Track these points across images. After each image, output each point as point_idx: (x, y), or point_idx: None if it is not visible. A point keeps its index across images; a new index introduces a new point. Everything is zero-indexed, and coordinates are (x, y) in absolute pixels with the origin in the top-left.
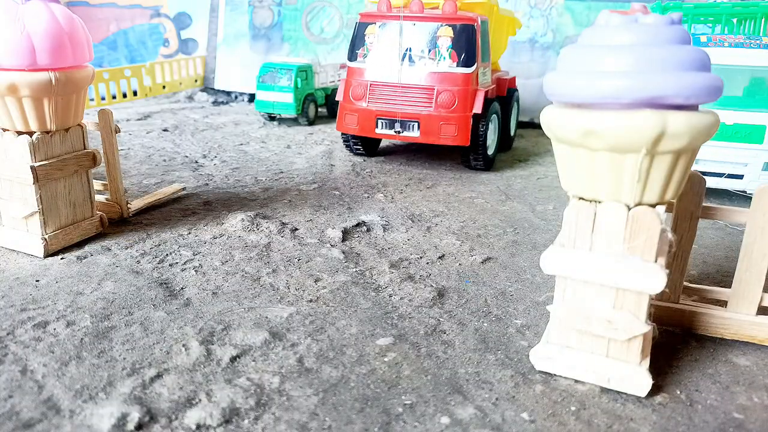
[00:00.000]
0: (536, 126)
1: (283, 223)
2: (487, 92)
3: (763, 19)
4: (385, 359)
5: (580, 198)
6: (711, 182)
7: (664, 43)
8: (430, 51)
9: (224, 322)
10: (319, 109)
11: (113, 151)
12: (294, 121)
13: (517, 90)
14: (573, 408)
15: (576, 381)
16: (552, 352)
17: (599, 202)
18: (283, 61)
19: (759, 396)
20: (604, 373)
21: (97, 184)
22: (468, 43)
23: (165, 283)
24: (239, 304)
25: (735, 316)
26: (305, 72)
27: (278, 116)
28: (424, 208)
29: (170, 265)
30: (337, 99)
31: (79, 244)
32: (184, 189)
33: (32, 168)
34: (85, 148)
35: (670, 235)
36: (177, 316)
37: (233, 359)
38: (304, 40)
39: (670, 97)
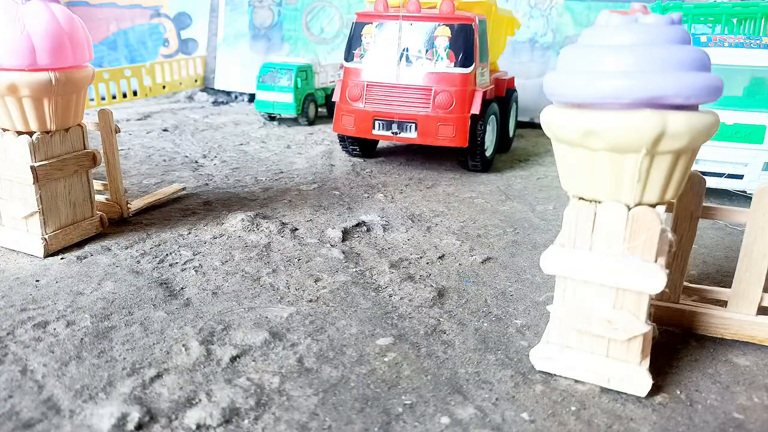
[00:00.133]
0: (536, 126)
1: (283, 223)
2: (485, 93)
3: (763, 19)
4: (385, 359)
5: (580, 198)
6: (711, 182)
7: (664, 43)
8: (427, 51)
9: (224, 322)
10: (319, 109)
11: (113, 151)
12: (294, 121)
13: (516, 90)
14: (573, 408)
15: (576, 381)
16: (552, 352)
17: (599, 202)
18: (283, 61)
19: (759, 396)
20: (604, 373)
21: (97, 184)
22: (466, 43)
23: (165, 283)
24: (239, 304)
25: (735, 316)
26: (305, 72)
27: (278, 116)
28: (424, 208)
29: (170, 265)
30: (333, 100)
31: (79, 244)
32: (184, 189)
33: (32, 168)
34: (85, 148)
35: (670, 235)
36: (177, 316)
37: (233, 359)
38: (304, 40)
39: (670, 97)
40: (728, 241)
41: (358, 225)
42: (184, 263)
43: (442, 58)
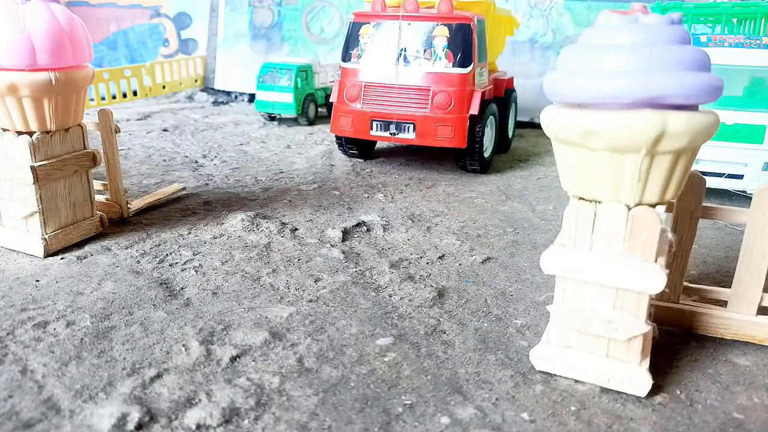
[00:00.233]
0: (536, 126)
1: (283, 223)
2: (484, 93)
3: (763, 19)
4: (385, 359)
5: (580, 198)
6: (711, 182)
7: (664, 43)
8: (425, 51)
9: (224, 322)
10: (319, 109)
11: (113, 151)
12: (294, 121)
13: (515, 91)
14: (573, 408)
15: (576, 381)
16: (552, 352)
17: (599, 202)
18: (283, 61)
19: (759, 396)
20: (604, 373)
21: (97, 184)
22: (464, 42)
23: (165, 283)
24: (239, 304)
25: (735, 316)
26: (305, 72)
27: (278, 116)
28: (424, 208)
29: (170, 265)
30: (331, 100)
31: (79, 244)
32: (184, 189)
33: (32, 168)
34: (85, 148)
35: (670, 235)
36: (177, 316)
37: (233, 359)
38: (304, 40)
39: (670, 97)
40: (728, 241)
41: (358, 225)
42: (184, 263)
43: (440, 58)
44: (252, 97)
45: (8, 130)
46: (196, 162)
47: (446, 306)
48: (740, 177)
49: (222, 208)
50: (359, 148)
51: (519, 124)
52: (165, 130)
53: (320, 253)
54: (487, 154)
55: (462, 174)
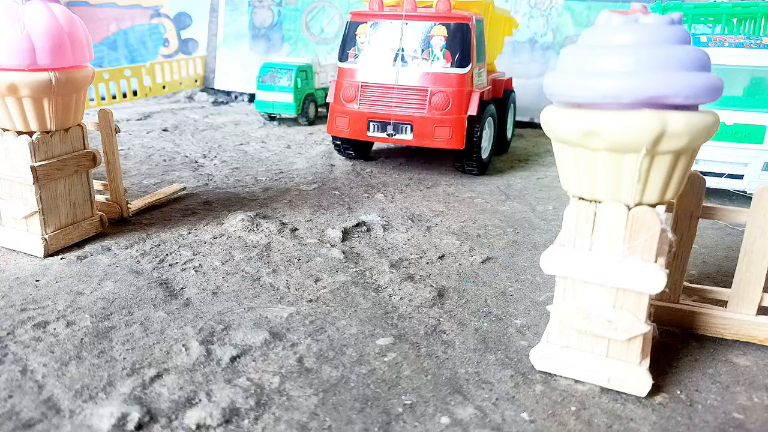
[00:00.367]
0: (536, 126)
1: (283, 223)
2: (482, 94)
3: (763, 19)
4: (385, 359)
5: (580, 198)
6: (711, 182)
7: (664, 43)
8: (423, 51)
9: (224, 322)
10: (319, 109)
11: (113, 151)
12: (294, 121)
13: (513, 91)
14: (573, 408)
15: (576, 381)
16: (552, 352)
17: (599, 202)
18: (283, 61)
19: (759, 396)
20: (604, 373)
21: (97, 184)
22: (462, 42)
23: (165, 283)
24: (239, 304)
25: (735, 316)
26: (305, 72)
27: (278, 116)
28: (424, 208)
29: (170, 265)
30: (327, 101)
31: (79, 244)
32: (184, 189)
33: (32, 168)
34: (85, 148)
35: (670, 235)
36: (177, 316)
37: (233, 359)
38: (304, 40)
39: (670, 97)
40: (728, 241)
41: (358, 225)
42: (184, 263)
43: (438, 58)
44: (252, 97)
45: (8, 130)
46: (196, 162)
47: (446, 306)
48: (740, 177)
49: (222, 208)
50: (356, 148)
51: (519, 124)
52: (165, 130)
53: (320, 253)
54: (485, 156)
55: (462, 174)
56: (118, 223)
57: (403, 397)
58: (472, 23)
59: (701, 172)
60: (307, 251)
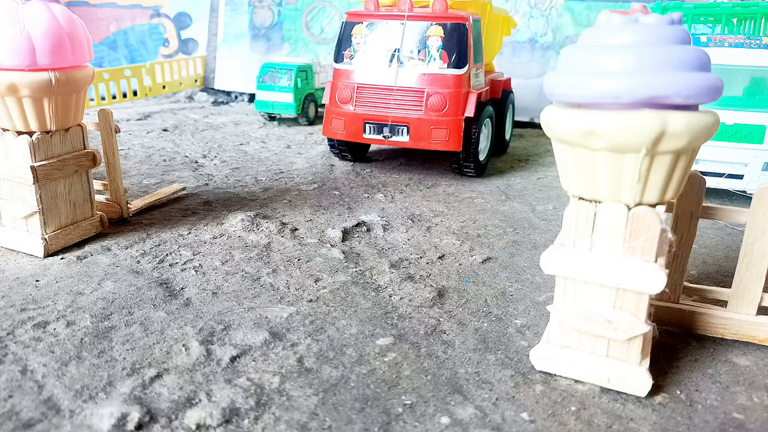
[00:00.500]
0: (536, 126)
1: (283, 223)
2: (480, 95)
3: (763, 19)
4: (385, 359)
5: (580, 198)
6: (711, 182)
7: (664, 43)
8: (419, 51)
9: (224, 322)
10: (319, 109)
11: (113, 151)
12: (294, 121)
13: (512, 92)
14: (573, 408)
15: (576, 381)
16: (552, 352)
17: (599, 202)
18: (283, 61)
19: (759, 396)
20: (604, 373)
21: (97, 184)
22: (459, 43)
23: (165, 283)
24: (239, 304)
25: (735, 316)
26: (305, 72)
27: (278, 116)
28: (424, 208)
29: (170, 265)
30: (323, 102)
31: (79, 244)
32: (184, 189)
33: (32, 168)
34: (85, 148)
35: (670, 235)
36: (177, 316)
37: (233, 359)
38: (304, 40)
39: (670, 97)
40: (728, 241)
41: (358, 225)
42: (184, 263)
43: (434, 59)
44: (252, 97)
45: (8, 130)
46: (196, 162)
47: (446, 306)
48: (740, 177)
49: (222, 208)
50: (352, 150)
51: (518, 124)
52: (165, 130)
53: (320, 253)
54: (482, 158)
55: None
56: (118, 223)
57: (403, 397)
58: (469, 23)
59: (701, 172)
60: (307, 251)
